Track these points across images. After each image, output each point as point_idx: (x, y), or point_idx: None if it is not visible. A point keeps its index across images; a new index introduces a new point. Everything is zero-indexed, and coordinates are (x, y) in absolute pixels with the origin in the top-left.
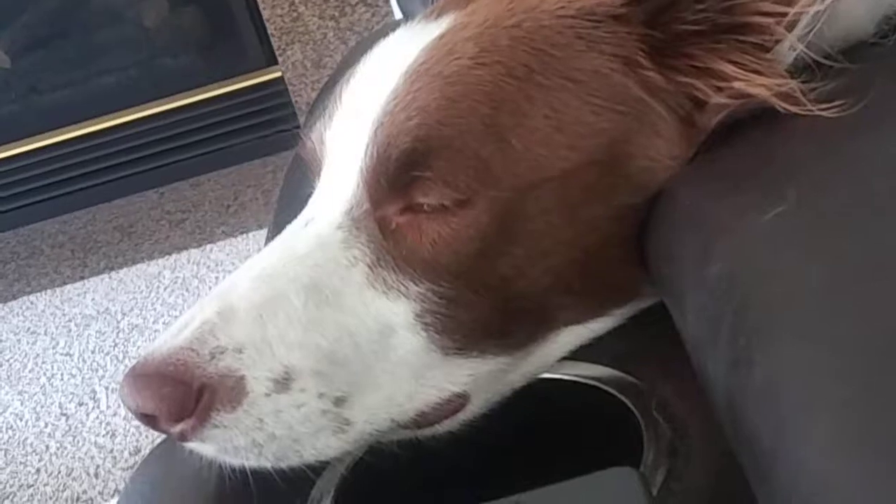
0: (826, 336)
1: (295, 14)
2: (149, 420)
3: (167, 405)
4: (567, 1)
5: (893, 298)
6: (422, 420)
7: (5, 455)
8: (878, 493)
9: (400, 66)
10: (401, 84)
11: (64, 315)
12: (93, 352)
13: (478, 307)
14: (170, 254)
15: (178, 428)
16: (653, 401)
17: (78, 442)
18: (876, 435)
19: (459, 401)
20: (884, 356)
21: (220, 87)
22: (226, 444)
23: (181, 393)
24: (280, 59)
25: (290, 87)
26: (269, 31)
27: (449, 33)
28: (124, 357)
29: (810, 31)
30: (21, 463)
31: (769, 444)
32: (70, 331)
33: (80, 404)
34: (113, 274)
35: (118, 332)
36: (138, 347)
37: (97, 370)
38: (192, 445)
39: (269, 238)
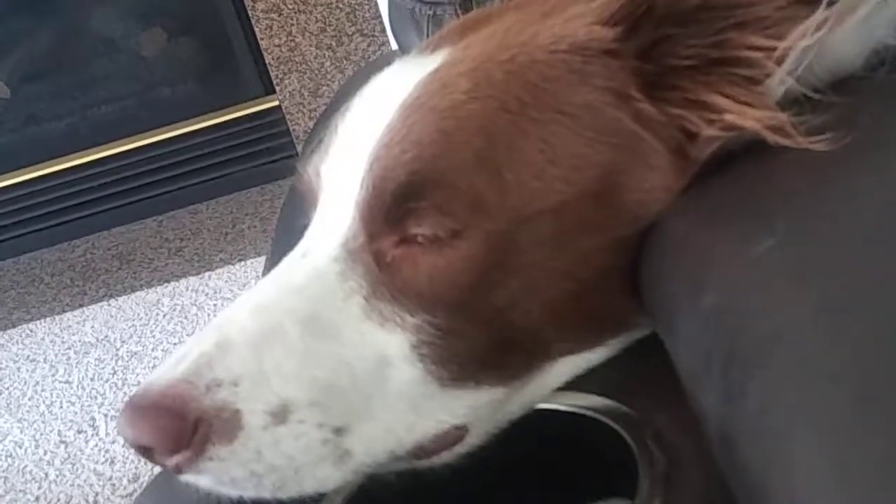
0: (818, 367)
1: (292, 44)
2: (145, 452)
3: (163, 437)
4: (560, 36)
5: (885, 328)
6: (420, 452)
7: (5, 483)
8: None
9: (395, 99)
10: (396, 118)
11: (63, 343)
12: (92, 379)
13: (473, 338)
14: (168, 281)
15: (173, 460)
16: (647, 431)
17: (77, 469)
18: (868, 467)
19: (458, 433)
20: (876, 387)
21: (218, 116)
22: (222, 475)
23: (177, 426)
24: (277, 89)
25: (287, 116)
26: (266, 61)
27: (443, 68)
28: (123, 384)
29: (800, 65)
30: (20, 491)
31: (761, 474)
32: (69, 358)
33: (80, 432)
34: (112, 301)
35: (117, 360)
36: (137, 375)
37: (96, 398)
38: (186, 478)
39: (267, 268)
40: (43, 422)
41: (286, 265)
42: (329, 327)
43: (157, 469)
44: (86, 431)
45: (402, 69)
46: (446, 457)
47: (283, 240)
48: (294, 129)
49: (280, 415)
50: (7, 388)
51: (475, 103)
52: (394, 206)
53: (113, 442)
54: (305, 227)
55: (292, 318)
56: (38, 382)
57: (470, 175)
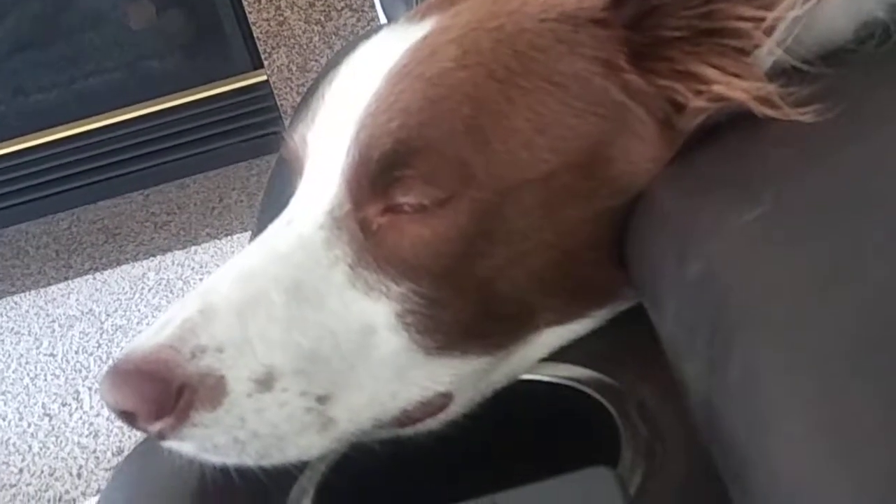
0: (803, 336)
1: (281, 18)
2: (128, 417)
3: (146, 403)
4: (549, 4)
5: (872, 297)
6: (405, 419)
7: None
8: (853, 494)
9: (382, 67)
10: (383, 85)
11: (48, 316)
12: (76, 352)
13: (459, 307)
14: (154, 255)
15: (156, 426)
16: (631, 402)
17: (61, 442)
18: (852, 434)
19: (443, 400)
20: (861, 356)
21: (205, 90)
22: (205, 442)
23: (161, 391)
24: (266, 63)
25: (275, 91)
26: (254, 35)
27: (432, 35)
28: (108, 358)
29: (789, 35)
30: (4, 463)
31: (744, 444)
32: (54, 331)
33: (64, 405)
34: (97, 275)
35: (102, 333)
36: (122, 348)
37: (80, 371)
38: (169, 444)
39: (253, 236)
40: (27, 394)
41: (271, 232)
42: (313, 295)
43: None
44: (70, 404)
45: (389, 36)
46: (430, 424)
47: (270, 211)
48: (282, 104)
49: (265, 382)
50: None
51: (463, 71)
52: (380, 174)
53: (97, 415)
54: (291, 195)
55: (277, 286)
56: (22, 355)
57: (457, 143)
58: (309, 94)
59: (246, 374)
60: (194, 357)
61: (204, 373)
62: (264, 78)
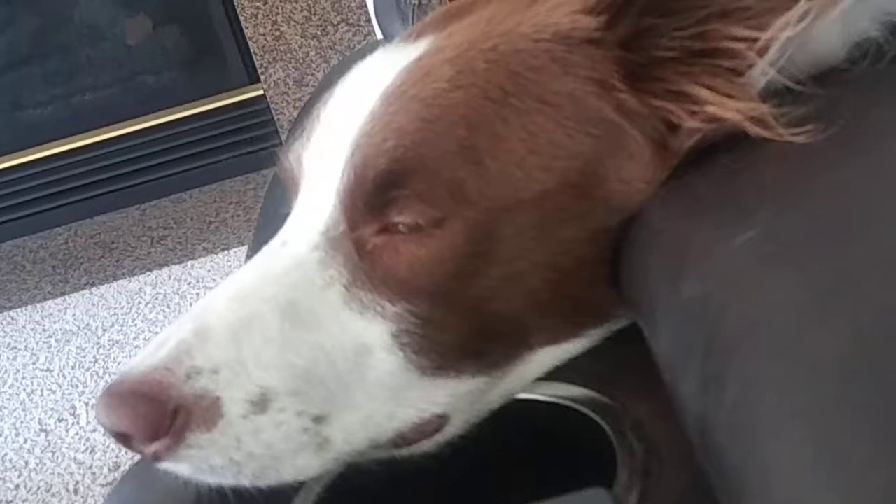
0: (797, 357)
1: (277, 33)
2: (124, 439)
3: (142, 424)
4: (543, 25)
5: (866, 319)
6: (401, 440)
7: None
8: None
9: (377, 87)
10: (378, 106)
11: (44, 331)
12: (73, 368)
13: (454, 327)
14: (151, 270)
15: (152, 448)
16: (627, 421)
17: (57, 458)
18: (846, 455)
19: (439, 421)
20: (856, 377)
21: (202, 105)
22: (201, 463)
23: (156, 413)
24: (262, 78)
25: (272, 105)
26: (251, 50)
27: (426, 56)
28: (104, 373)
29: (782, 56)
30: (0, 479)
31: (739, 464)
32: (50, 346)
33: (60, 420)
34: (94, 290)
35: (98, 348)
36: (118, 363)
37: (77, 386)
38: (165, 466)
39: (249, 256)
40: (23, 410)
41: (266, 253)
42: (308, 316)
43: (138, 457)
44: (66, 420)
45: (385, 57)
46: (426, 445)
47: (266, 227)
48: (278, 119)
49: (260, 403)
50: None
51: (458, 92)
52: (375, 194)
53: (93, 430)
54: (287, 215)
55: (271, 307)
56: (18, 370)
57: (452, 163)
58: (304, 114)
59: (241, 396)
60: (189, 378)
61: (199, 394)
62: (261, 92)
